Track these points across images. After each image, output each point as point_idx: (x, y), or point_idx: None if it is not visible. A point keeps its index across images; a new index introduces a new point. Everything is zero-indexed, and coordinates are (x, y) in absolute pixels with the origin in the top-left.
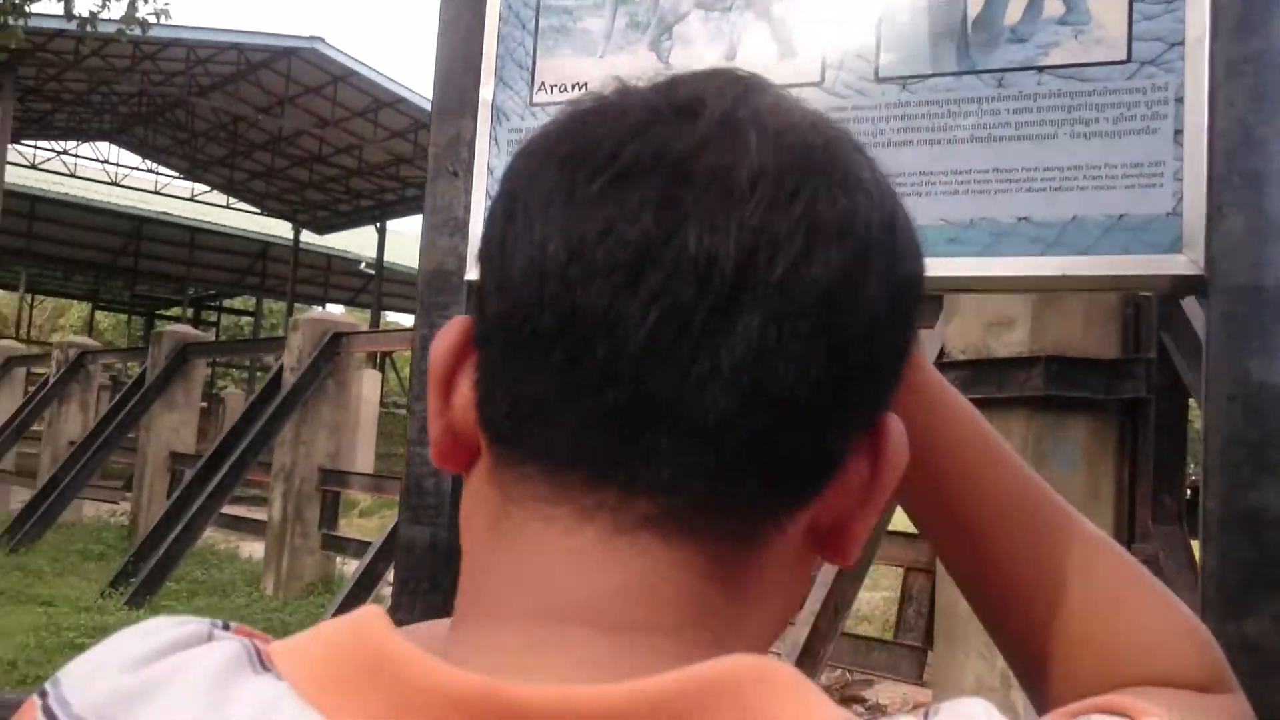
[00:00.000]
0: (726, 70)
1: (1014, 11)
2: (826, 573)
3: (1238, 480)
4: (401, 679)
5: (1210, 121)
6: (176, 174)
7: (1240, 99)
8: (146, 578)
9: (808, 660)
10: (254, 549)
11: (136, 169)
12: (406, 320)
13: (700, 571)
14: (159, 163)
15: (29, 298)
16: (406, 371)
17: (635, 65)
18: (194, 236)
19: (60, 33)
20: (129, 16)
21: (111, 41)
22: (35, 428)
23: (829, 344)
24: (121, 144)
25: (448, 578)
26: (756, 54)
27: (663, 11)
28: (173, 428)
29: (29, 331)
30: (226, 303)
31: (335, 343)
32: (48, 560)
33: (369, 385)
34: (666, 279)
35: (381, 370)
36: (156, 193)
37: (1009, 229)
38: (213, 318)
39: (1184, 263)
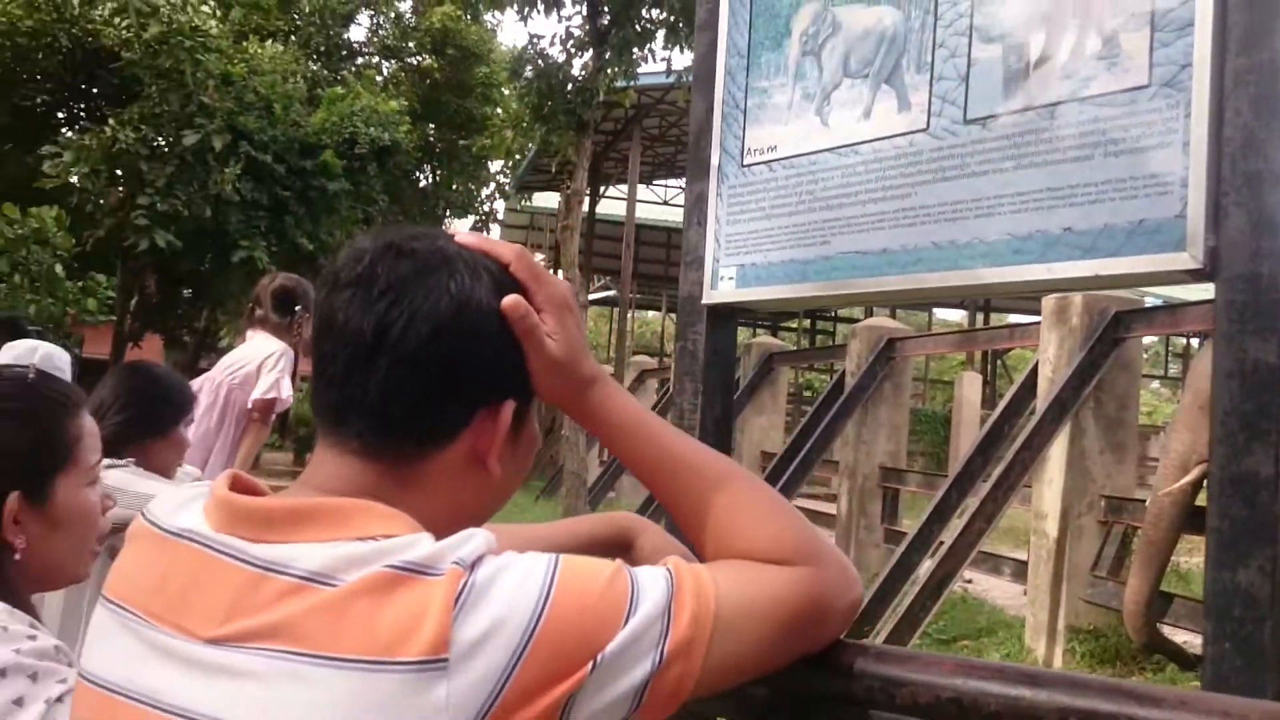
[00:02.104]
0: (393, 231)
1: (1064, 52)
2: None
3: (1234, 448)
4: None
5: (1217, 129)
6: None
7: (1245, 107)
8: None
9: None
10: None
11: None
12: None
13: (380, 473)
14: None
15: (672, 317)
16: (1016, 375)
17: (806, 126)
18: None
19: (674, 86)
20: None
21: None
22: None
23: (427, 376)
24: None
25: None
26: (883, 110)
27: (824, 84)
28: (762, 429)
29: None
30: (842, 313)
31: (890, 347)
32: None
33: (969, 387)
34: (348, 339)
35: (992, 373)
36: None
37: (1057, 239)
38: (830, 328)
39: (1186, 259)
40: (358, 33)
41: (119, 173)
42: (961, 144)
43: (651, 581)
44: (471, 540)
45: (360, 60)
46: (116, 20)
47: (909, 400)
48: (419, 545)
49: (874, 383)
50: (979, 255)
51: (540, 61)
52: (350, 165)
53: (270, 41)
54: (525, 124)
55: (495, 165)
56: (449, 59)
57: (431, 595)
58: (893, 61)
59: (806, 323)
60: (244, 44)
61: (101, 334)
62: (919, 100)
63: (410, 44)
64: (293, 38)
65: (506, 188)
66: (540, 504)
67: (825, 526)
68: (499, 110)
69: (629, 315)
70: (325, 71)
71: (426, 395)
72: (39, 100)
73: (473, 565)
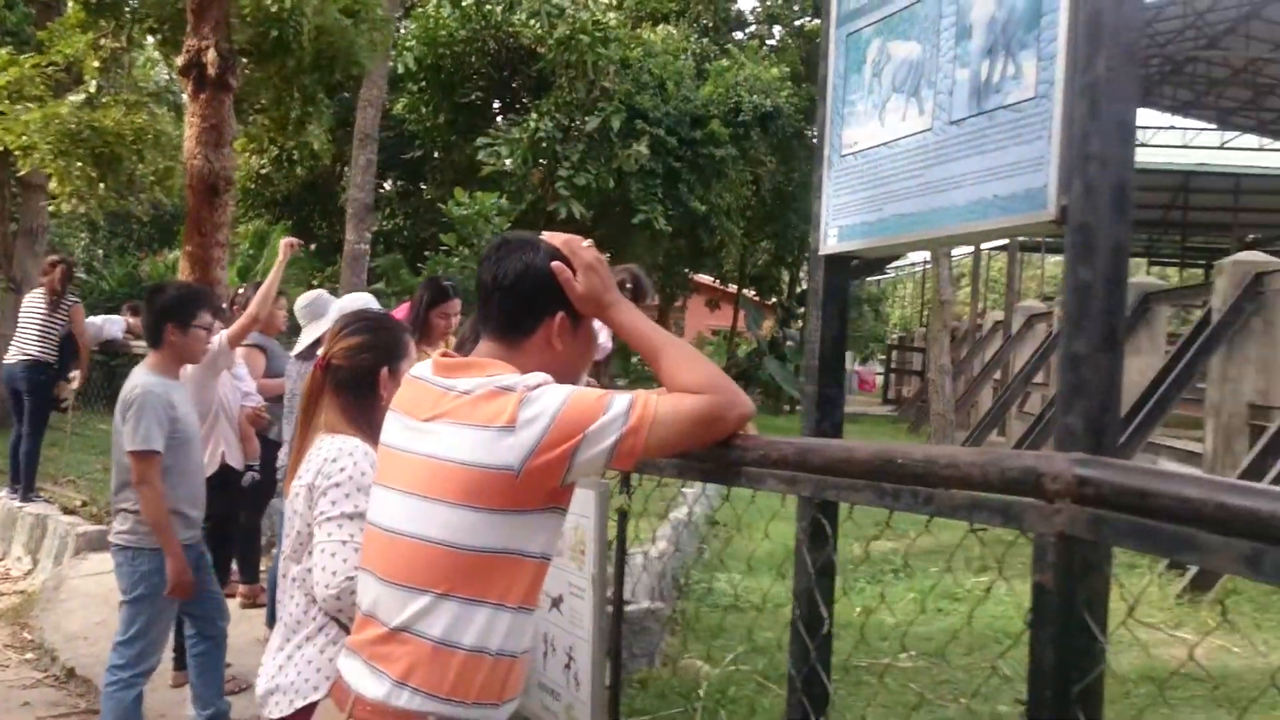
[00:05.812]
0: (506, 234)
1: (996, 74)
2: None
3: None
4: None
5: (1067, 126)
6: (1205, 125)
7: (1080, 114)
8: None
9: None
10: None
11: (1160, 128)
12: None
13: (502, 348)
14: (1185, 116)
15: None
16: None
17: (872, 128)
18: (1238, 183)
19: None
20: None
21: None
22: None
23: (515, 301)
24: (1146, 105)
25: None
26: (911, 115)
27: (882, 97)
28: (1140, 370)
29: None
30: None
31: (1258, 282)
32: None
33: None
34: (483, 285)
35: None
36: (1185, 146)
37: (990, 203)
38: None
39: (1047, 214)
40: (745, 3)
41: (539, 158)
42: (948, 138)
43: (621, 398)
44: (535, 376)
45: (750, 29)
46: (531, 22)
47: None
48: (510, 378)
49: (1239, 319)
50: (948, 216)
51: None
52: (736, 132)
53: (662, 24)
54: None
55: None
56: None
57: (510, 399)
58: (915, 81)
59: None
60: (638, 30)
61: None
62: (928, 108)
63: (795, 8)
64: (683, 18)
65: None
66: (906, 438)
67: (1195, 465)
68: None
69: (1018, 260)
70: (713, 46)
71: (516, 310)
72: (474, 97)
73: (533, 388)
